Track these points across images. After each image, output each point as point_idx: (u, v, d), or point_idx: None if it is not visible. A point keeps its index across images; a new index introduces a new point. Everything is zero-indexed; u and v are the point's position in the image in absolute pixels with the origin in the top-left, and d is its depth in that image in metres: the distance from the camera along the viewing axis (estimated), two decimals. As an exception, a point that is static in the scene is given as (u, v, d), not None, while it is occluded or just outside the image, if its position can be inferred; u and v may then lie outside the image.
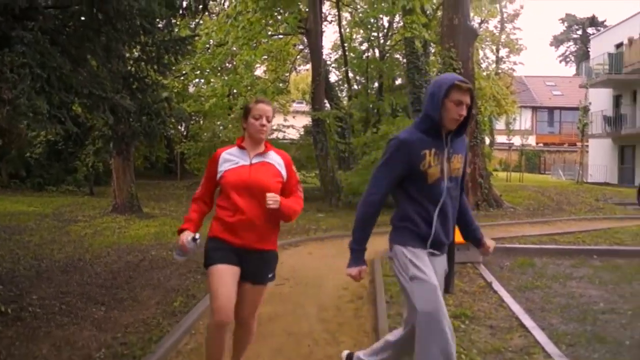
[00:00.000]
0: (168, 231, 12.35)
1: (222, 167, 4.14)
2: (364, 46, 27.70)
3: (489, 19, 38.22)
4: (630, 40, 34.31)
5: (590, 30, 71.09)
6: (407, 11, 17.91)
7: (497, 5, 39.17)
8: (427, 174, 3.69)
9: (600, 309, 6.74)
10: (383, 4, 19.37)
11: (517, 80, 50.82)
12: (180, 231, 4.13)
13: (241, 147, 4.19)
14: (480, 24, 37.33)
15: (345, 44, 27.12)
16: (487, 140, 43.34)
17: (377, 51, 26.77)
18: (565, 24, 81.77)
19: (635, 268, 9.18)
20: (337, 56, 28.97)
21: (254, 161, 4.16)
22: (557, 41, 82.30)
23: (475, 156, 16.75)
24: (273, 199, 3.99)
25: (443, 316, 3.58)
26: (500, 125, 45.70)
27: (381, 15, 23.79)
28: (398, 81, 27.37)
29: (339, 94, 27.94)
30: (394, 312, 6.32)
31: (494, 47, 41.54)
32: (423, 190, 3.74)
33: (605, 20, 74.59)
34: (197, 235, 4.11)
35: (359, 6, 26.75)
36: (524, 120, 57.72)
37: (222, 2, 24.45)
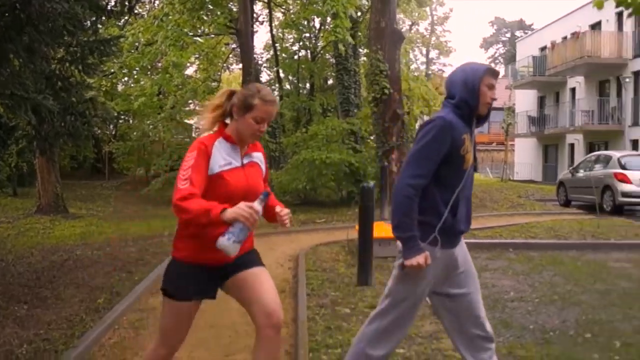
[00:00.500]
0: (94, 231, 12.33)
1: (217, 165, 3.34)
2: (296, 47, 28.01)
3: (419, 21, 38.98)
4: (553, 44, 35.55)
5: (518, 33, 73.09)
6: (333, 15, 18.23)
7: (427, 8, 40.03)
8: (464, 160, 3.52)
9: (510, 297, 7.13)
10: (315, 6, 19.63)
11: (447, 81, 51.85)
12: (216, 214, 3.06)
13: (233, 143, 3.45)
14: (411, 26, 38.08)
15: (277, 44, 27.36)
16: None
17: (308, 52, 27.10)
18: (495, 26, 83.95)
19: (547, 260, 9.71)
20: (268, 56, 29.18)
21: (245, 162, 3.49)
22: (486, 43, 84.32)
23: (401, 155, 17.16)
24: (289, 217, 3.50)
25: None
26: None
27: (313, 17, 24.08)
28: (330, 81, 27.74)
29: (271, 94, 28.11)
30: (313, 304, 6.56)
31: (424, 49, 42.47)
32: (455, 177, 3.52)
33: (532, 24, 77.01)
34: (265, 194, 3.27)
35: (291, 7, 27.00)
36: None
37: (152, 2, 24.36)
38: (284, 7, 27.71)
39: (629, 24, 30.08)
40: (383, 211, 14.30)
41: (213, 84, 26.75)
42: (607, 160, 19.56)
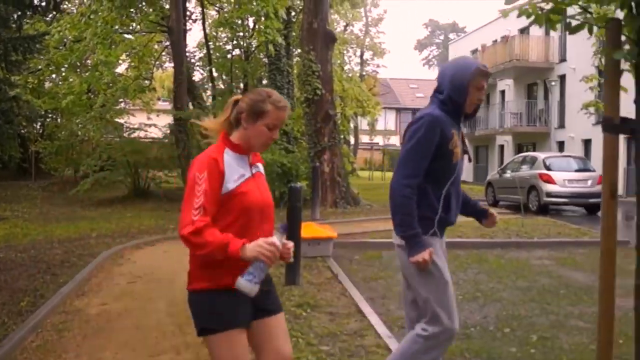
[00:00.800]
0: (19, 233, 12.03)
1: (231, 180, 3.00)
2: (229, 46, 27.88)
3: (353, 22, 39.27)
4: (483, 47, 36.36)
5: (452, 35, 74.49)
6: (264, 15, 18.26)
7: (362, 10, 40.39)
8: (453, 154, 3.56)
9: (435, 294, 7.30)
10: (249, 5, 19.58)
11: (382, 83, 52.46)
12: (234, 251, 2.81)
13: (242, 153, 3.12)
14: (345, 27, 38.33)
15: (210, 43, 27.18)
16: (353, 140, 44.68)
17: (242, 51, 27.01)
18: (429, 29, 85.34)
19: (472, 258, 9.97)
20: (201, 55, 28.98)
21: (253, 172, 3.16)
22: (420, 45, 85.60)
23: (333, 155, 17.34)
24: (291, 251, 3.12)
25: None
26: (365, 125, 47.10)
27: (247, 16, 24.01)
28: (264, 81, 27.72)
29: (204, 93, 27.95)
30: (241, 304, 6.57)
31: (358, 50, 42.81)
32: (446, 171, 3.58)
33: (465, 27, 78.48)
34: (281, 227, 3.03)
35: (225, 5, 26.86)
36: (389, 121, 59.67)
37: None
38: (217, 5, 27.55)
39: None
40: (315, 212, 14.40)
41: (145, 82, 26.39)
42: (532, 162, 20.13)
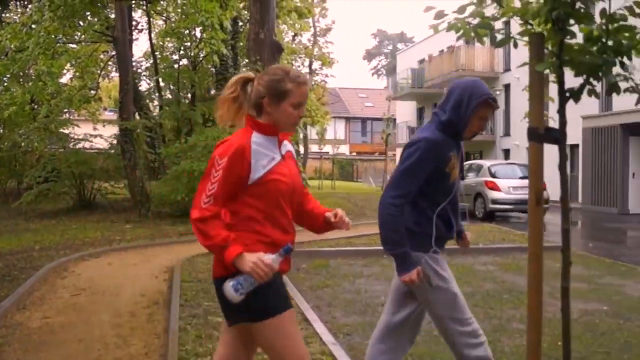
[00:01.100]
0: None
1: (260, 166, 2.91)
2: (176, 56, 27.72)
3: (302, 32, 39.41)
4: (430, 57, 36.93)
5: (400, 45, 75.39)
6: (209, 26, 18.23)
7: (310, 20, 40.56)
8: (450, 175, 3.56)
9: (381, 301, 7.36)
10: (196, 15, 19.49)
11: (331, 92, 52.76)
12: (229, 257, 2.80)
13: (271, 135, 3.01)
14: (293, 37, 38.46)
15: (157, 53, 27.00)
16: (302, 149, 44.74)
17: (189, 61, 26.86)
18: (377, 39, 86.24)
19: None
20: (148, 65, 28.73)
21: (283, 152, 3.07)
22: (369, 55, 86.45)
23: (281, 165, 17.34)
24: (345, 217, 3.21)
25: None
26: (314, 135, 47.29)
27: (194, 26, 23.92)
28: (212, 91, 27.61)
29: (151, 103, 27.71)
30: (186, 314, 6.57)
31: (307, 60, 42.97)
32: (442, 191, 3.58)
33: (413, 37, 79.47)
34: (286, 249, 2.93)
35: (172, 15, 26.71)
36: (338, 130, 60.04)
37: (25, 6, 23.46)
38: (164, 15, 27.38)
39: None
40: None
41: (90, 92, 26.04)
42: (478, 169, 20.53)
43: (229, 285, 2.80)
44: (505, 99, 31.85)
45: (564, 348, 3.07)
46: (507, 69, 31.89)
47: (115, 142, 21.28)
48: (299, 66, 40.46)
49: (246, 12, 21.61)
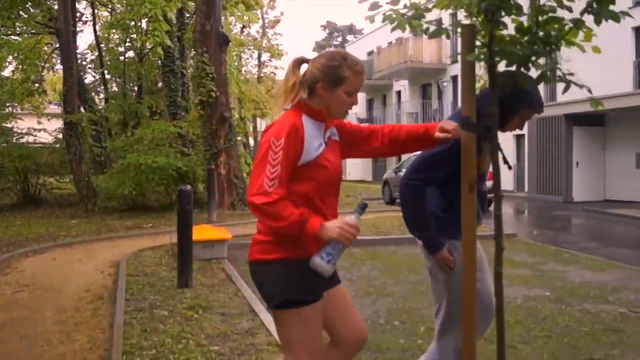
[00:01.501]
0: None
1: (312, 148, 2.82)
2: (122, 48, 27.32)
3: (250, 24, 39.17)
4: (379, 49, 37.13)
5: (349, 37, 75.56)
6: (151, 18, 18.06)
7: (258, 12, 40.36)
8: (479, 166, 3.25)
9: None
10: (142, 7, 19.24)
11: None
12: (312, 229, 2.68)
13: (321, 120, 2.93)
14: (242, 29, 38.21)
15: (102, 45, 26.58)
16: (252, 142, 44.57)
17: (135, 53, 26.51)
18: (327, 30, 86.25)
19: (367, 255, 10.26)
20: (93, 57, 28.26)
21: (326, 139, 2.96)
22: (319, 47, 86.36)
23: (229, 158, 17.33)
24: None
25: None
26: (263, 127, 47.17)
27: (140, 17, 23.63)
28: (159, 84, 27.33)
29: (97, 96, 27.29)
30: (131, 308, 6.52)
31: (256, 52, 42.75)
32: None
33: (362, 29, 79.70)
34: (362, 206, 2.88)
35: (117, 7, 26.30)
36: (288, 122, 60.06)
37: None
38: (109, 6, 26.95)
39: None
40: (211, 214, 14.35)
41: (34, 85, 25.54)
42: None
43: (320, 261, 2.71)
44: (453, 90, 32.25)
45: (497, 330, 3.14)
46: (455, 60, 32.28)
47: (60, 136, 20.92)
48: (247, 58, 40.26)
49: (192, 3, 21.38)
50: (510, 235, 12.35)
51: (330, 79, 2.85)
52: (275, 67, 48.75)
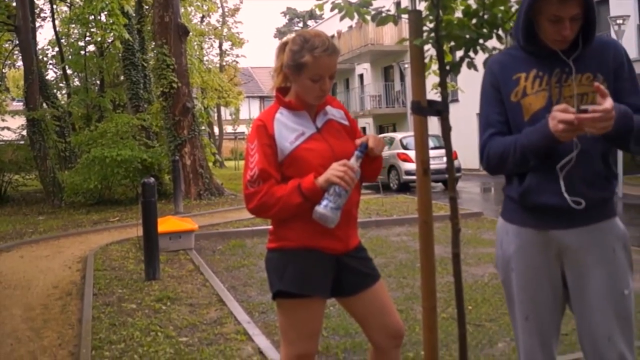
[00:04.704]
0: None
1: (286, 142, 2.71)
2: (83, 42, 26.99)
3: (210, 13, 38.91)
4: (339, 33, 37.11)
5: (310, 22, 75.34)
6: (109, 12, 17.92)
7: (217, 1, 40.11)
8: (520, 107, 2.58)
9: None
10: (100, 1, 19.01)
11: (243, 72, 52.33)
12: (309, 185, 2.60)
13: (298, 109, 2.79)
14: (202, 18, 37.94)
15: (63, 40, 26.25)
16: (217, 131, 44.45)
17: (96, 47, 26.22)
18: (287, 17, 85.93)
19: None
20: (54, 53, 27.89)
21: (319, 125, 2.82)
22: (280, 33, 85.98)
23: (194, 148, 17.30)
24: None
25: None
26: (228, 116, 46.99)
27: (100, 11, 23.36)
28: (121, 77, 27.08)
29: (59, 92, 26.96)
30: (99, 303, 6.54)
31: (217, 41, 42.49)
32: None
33: (323, 14, 79.41)
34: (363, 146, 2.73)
35: (76, 1, 25.96)
36: (253, 109, 59.80)
37: None
38: (68, 1, 26.59)
39: (406, 14, 32.26)
40: (177, 205, 14.33)
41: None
42: (391, 142, 20.88)
43: (320, 209, 2.58)
44: (415, 72, 32.41)
45: (457, 310, 3.22)
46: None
47: (24, 133, 20.66)
48: (208, 48, 39.98)
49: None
50: (476, 213, 12.51)
51: (292, 64, 2.72)
52: (237, 56, 48.63)
